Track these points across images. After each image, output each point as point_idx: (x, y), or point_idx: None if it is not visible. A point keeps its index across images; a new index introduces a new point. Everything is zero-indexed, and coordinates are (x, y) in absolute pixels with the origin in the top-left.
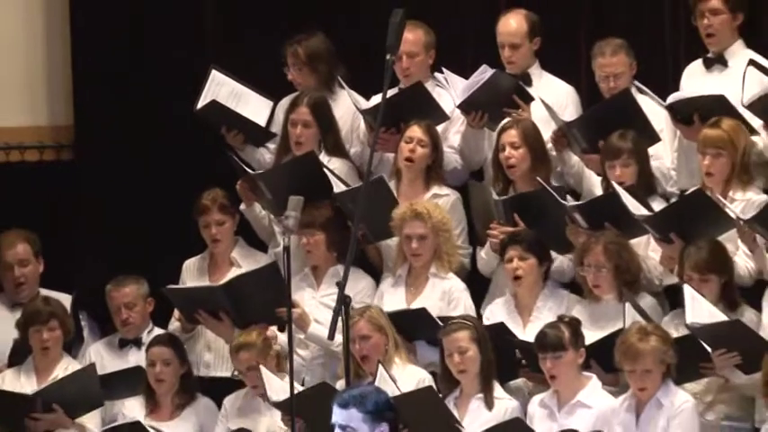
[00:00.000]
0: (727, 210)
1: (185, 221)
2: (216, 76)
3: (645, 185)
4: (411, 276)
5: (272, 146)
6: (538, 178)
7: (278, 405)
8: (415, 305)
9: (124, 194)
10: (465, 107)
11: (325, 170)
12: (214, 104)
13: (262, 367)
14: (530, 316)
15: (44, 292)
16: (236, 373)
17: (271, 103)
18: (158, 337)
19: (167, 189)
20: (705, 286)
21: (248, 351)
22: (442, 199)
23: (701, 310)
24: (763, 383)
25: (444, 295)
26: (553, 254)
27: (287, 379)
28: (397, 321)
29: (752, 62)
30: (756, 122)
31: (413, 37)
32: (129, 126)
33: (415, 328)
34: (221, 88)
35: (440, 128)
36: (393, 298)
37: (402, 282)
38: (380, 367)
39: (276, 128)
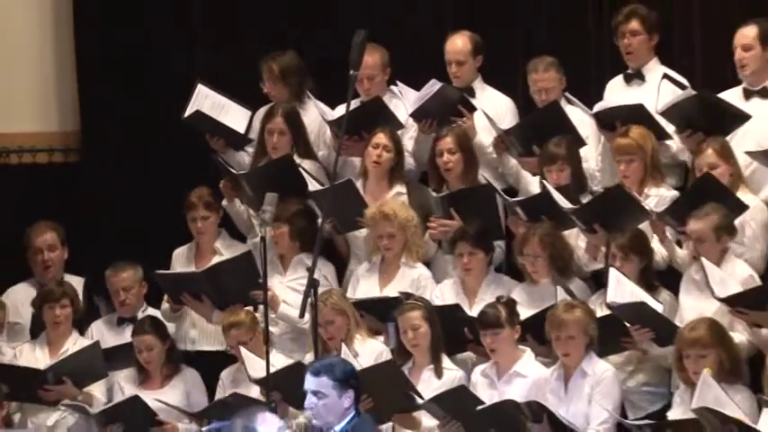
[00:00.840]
0: (642, 203)
1: (176, 215)
2: (201, 89)
3: (578, 185)
4: (384, 264)
5: (250, 149)
6: (484, 175)
7: (257, 381)
8: (388, 290)
9: (124, 192)
10: (417, 116)
11: (300, 170)
12: (198, 114)
13: (241, 348)
14: (475, 297)
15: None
16: (228, 348)
17: (249, 113)
18: (141, 325)
19: (161, 187)
20: (627, 266)
21: (238, 329)
22: (404, 196)
23: (623, 290)
24: (676, 358)
25: (413, 282)
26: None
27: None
28: (372, 306)
29: (665, 76)
30: (670, 128)
31: (371, 61)
32: (130, 131)
33: (387, 312)
34: (206, 100)
35: (409, 140)
36: (368, 283)
37: (376, 269)
38: (343, 346)
39: (254, 134)
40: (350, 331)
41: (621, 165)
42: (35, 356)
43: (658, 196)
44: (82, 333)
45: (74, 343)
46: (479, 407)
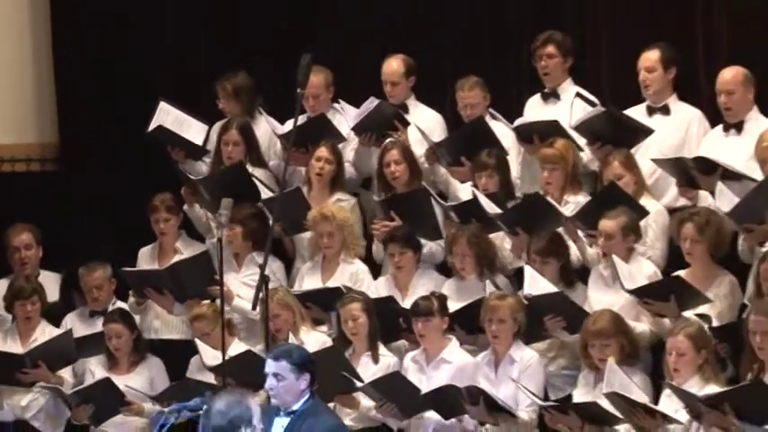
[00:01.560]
0: (558, 209)
1: (141, 218)
2: (163, 106)
3: (507, 192)
4: (325, 262)
5: (207, 159)
6: (424, 184)
7: (211, 369)
8: (329, 284)
9: (95, 198)
10: (357, 130)
11: (253, 178)
12: (161, 128)
13: (196, 339)
14: (407, 291)
15: (43, 273)
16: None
17: (206, 127)
18: (111, 315)
19: (127, 193)
20: (546, 267)
21: (201, 321)
22: (344, 203)
23: (537, 284)
24: (581, 346)
25: (352, 276)
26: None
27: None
28: (316, 297)
29: (578, 95)
30: (582, 141)
31: (317, 81)
32: (101, 143)
33: (329, 302)
34: (167, 116)
35: (350, 151)
36: (311, 279)
37: (318, 266)
38: (291, 336)
39: (211, 146)
40: (295, 324)
41: (545, 172)
42: (7, 345)
43: (576, 203)
44: (57, 324)
45: (42, 332)
46: (424, 390)
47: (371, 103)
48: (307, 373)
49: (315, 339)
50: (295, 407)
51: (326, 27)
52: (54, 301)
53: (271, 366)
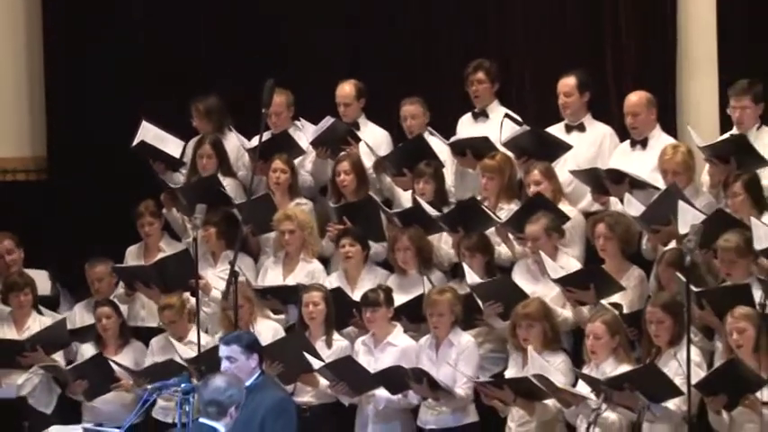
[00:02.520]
0: (489, 212)
1: (127, 222)
2: (145, 125)
3: (441, 198)
4: (287, 259)
5: (184, 171)
6: (371, 193)
7: (187, 361)
8: (289, 279)
9: (84, 204)
10: (314, 144)
11: (221, 188)
12: (143, 144)
13: (171, 338)
14: (356, 285)
15: (30, 271)
16: (161, 324)
17: (182, 143)
18: (101, 302)
19: (114, 200)
20: (474, 261)
21: (170, 310)
22: (302, 206)
23: (473, 277)
24: (510, 327)
25: (309, 273)
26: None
27: (193, 335)
28: (276, 292)
29: (506, 115)
30: (509, 155)
31: (279, 101)
32: (88, 155)
33: (287, 297)
34: (149, 132)
35: (298, 159)
36: (274, 273)
37: (280, 262)
38: (250, 325)
39: (187, 158)
40: (253, 314)
41: (485, 180)
42: (4, 332)
43: (509, 210)
44: (54, 309)
45: (34, 321)
46: (373, 371)
47: (327, 121)
48: (255, 353)
49: (268, 327)
50: (248, 383)
51: (287, 55)
52: (45, 294)
53: (224, 351)
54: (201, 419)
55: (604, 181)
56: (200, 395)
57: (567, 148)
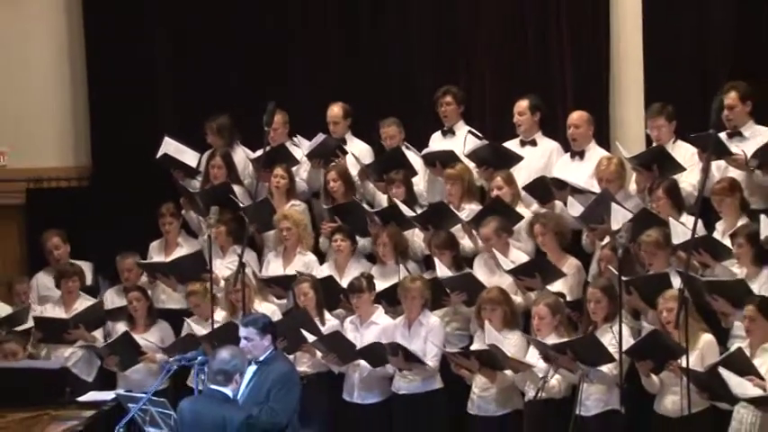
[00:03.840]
0: (456, 214)
1: (152, 221)
2: (167, 140)
3: (411, 200)
4: (286, 252)
5: (199, 178)
6: (356, 197)
7: (202, 337)
8: (288, 269)
9: (118, 206)
10: (309, 156)
11: (231, 195)
12: (166, 156)
13: (188, 320)
14: (344, 273)
15: (78, 262)
16: (190, 307)
17: (198, 155)
18: (132, 287)
19: (142, 202)
20: (443, 257)
21: (194, 296)
22: (298, 207)
23: (444, 270)
24: (476, 310)
25: (305, 264)
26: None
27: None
28: (278, 281)
29: (469, 131)
30: (472, 165)
31: (278, 119)
32: (123, 166)
33: (287, 284)
34: (170, 146)
35: (294, 168)
36: (275, 264)
37: (280, 255)
38: (252, 307)
39: (201, 168)
40: (251, 297)
41: (448, 186)
42: (55, 312)
43: (470, 209)
44: (95, 296)
45: (81, 303)
46: (359, 346)
47: (319, 137)
48: (269, 333)
49: (267, 309)
50: (261, 358)
51: (285, 80)
52: (88, 284)
53: (242, 331)
54: (212, 386)
55: (551, 187)
56: (209, 366)
57: (519, 159)
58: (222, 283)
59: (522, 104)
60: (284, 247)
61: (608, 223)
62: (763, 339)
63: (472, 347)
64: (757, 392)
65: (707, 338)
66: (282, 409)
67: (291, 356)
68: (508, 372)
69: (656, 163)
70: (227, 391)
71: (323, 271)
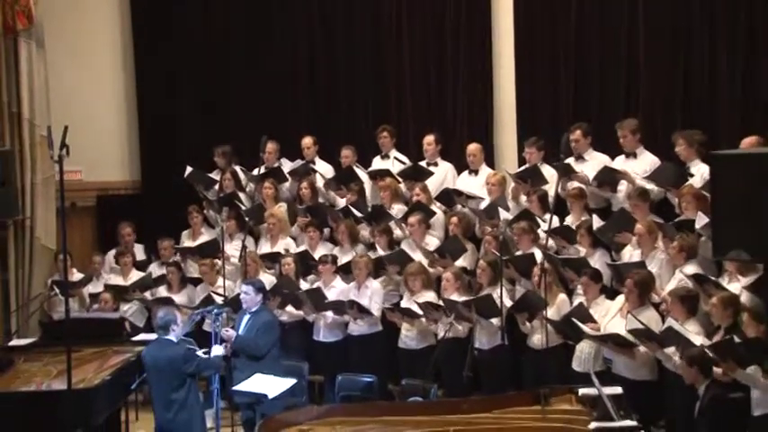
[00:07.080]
0: (389, 212)
1: (183, 217)
2: (188, 168)
3: (362, 203)
4: (273, 238)
5: (215, 188)
6: (321, 200)
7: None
8: (275, 249)
9: (161, 207)
10: (292, 174)
11: (237, 201)
12: (192, 173)
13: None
14: (314, 252)
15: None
16: (201, 275)
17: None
18: (170, 262)
19: (176, 206)
20: (381, 240)
21: (204, 266)
22: (280, 208)
23: (380, 250)
24: (404, 279)
25: (286, 245)
26: None
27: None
28: (270, 257)
29: (395, 158)
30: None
31: (270, 147)
32: (166, 179)
33: (275, 259)
34: (191, 170)
35: (287, 184)
36: (266, 246)
37: (269, 241)
38: (257, 276)
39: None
40: (257, 270)
41: (382, 193)
42: (117, 280)
43: (399, 209)
44: (145, 269)
45: (134, 274)
46: (326, 301)
47: (298, 162)
48: (261, 293)
49: (266, 278)
50: (253, 310)
51: (275, 119)
52: (142, 259)
53: (243, 288)
54: (160, 336)
55: (453, 196)
56: (154, 324)
57: (430, 174)
58: (232, 260)
59: (430, 138)
60: (271, 234)
61: (497, 219)
62: (595, 297)
63: (402, 304)
64: (593, 333)
65: (562, 297)
66: (264, 343)
67: (279, 311)
68: (423, 319)
69: (531, 178)
70: (171, 337)
71: (298, 250)
